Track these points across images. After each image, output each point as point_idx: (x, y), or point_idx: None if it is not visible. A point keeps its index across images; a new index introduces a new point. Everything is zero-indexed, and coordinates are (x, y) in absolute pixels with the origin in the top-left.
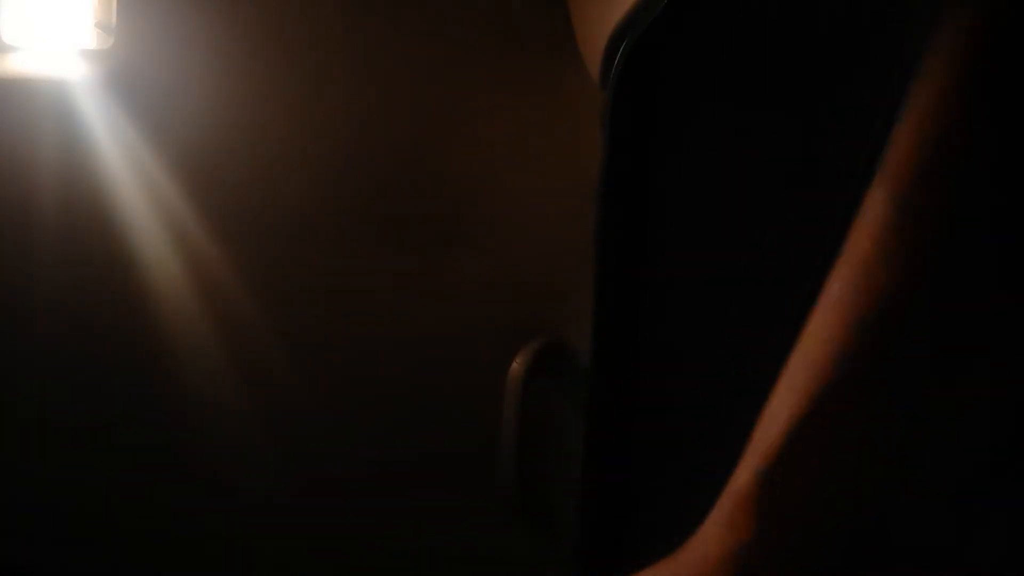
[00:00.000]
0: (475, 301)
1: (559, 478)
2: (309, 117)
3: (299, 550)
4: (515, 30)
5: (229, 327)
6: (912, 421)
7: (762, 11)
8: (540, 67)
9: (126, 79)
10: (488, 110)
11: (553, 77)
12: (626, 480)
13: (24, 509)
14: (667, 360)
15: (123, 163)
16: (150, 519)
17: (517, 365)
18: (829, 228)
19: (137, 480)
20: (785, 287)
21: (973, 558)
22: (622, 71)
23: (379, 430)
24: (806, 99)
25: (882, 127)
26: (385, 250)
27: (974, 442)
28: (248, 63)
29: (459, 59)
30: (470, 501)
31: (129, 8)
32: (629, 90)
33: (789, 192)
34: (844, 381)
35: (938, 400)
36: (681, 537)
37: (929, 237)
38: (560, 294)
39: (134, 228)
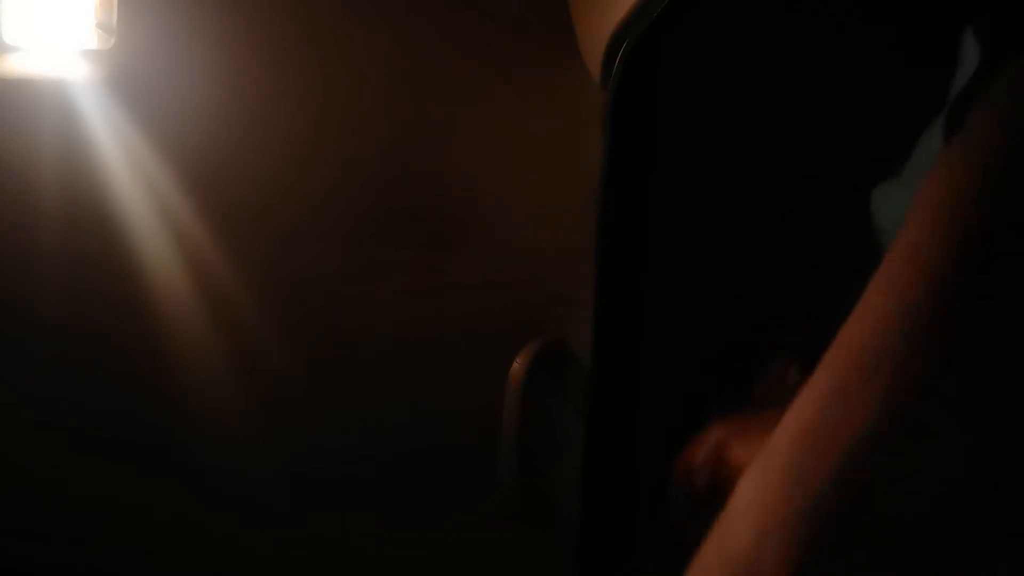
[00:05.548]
0: (476, 301)
1: (559, 478)
2: (309, 118)
3: (299, 549)
4: (515, 31)
5: (229, 325)
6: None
7: (760, 12)
8: (540, 67)
9: (126, 79)
10: (488, 110)
11: (553, 77)
12: (626, 480)
13: (24, 509)
14: (667, 359)
15: (123, 163)
16: (150, 519)
17: (517, 365)
18: (829, 225)
19: (136, 480)
20: (784, 285)
21: None
22: (622, 71)
23: (380, 430)
24: (806, 98)
25: (883, 127)
26: (386, 250)
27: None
28: (248, 63)
29: (459, 59)
30: (470, 500)
31: (130, 9)
32: (629, 90)
33: (789, 191)
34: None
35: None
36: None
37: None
38: (560, 294)
39: (134, 227)
